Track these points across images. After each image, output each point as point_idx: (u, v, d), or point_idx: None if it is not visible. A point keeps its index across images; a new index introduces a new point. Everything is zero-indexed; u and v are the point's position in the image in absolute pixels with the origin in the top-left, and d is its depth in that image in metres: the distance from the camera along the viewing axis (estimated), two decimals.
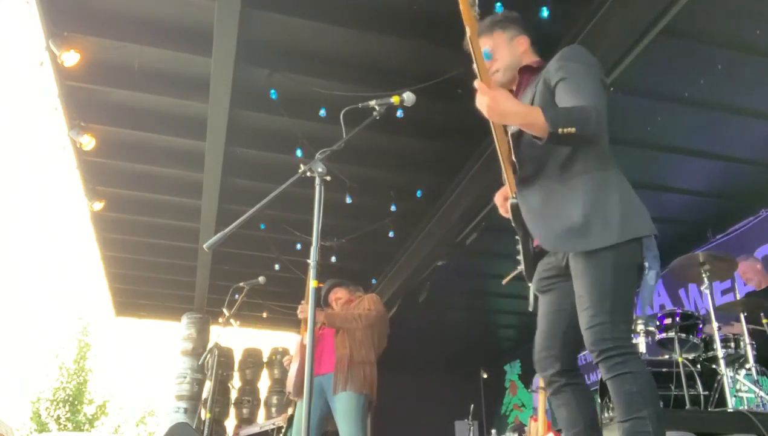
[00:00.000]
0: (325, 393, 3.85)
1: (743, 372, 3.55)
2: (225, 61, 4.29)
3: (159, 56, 4.61)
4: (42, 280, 34.74)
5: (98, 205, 6.30)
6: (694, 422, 3.09)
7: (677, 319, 3.86)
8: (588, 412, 2.07)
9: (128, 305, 9.43)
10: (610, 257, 1.91)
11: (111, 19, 4.35)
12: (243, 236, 6.70)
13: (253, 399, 9.44)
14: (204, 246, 2.40)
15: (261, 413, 9.47)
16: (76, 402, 18.37)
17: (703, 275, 3.79)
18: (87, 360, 19.07)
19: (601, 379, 3.23)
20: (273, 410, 9.19)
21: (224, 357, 8.87)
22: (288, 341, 9.83)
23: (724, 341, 3.69)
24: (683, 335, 3.82)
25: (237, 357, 9.63)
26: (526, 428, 5.91)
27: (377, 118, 2.46)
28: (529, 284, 2.25)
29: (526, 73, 2.26)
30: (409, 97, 2.45)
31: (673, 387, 3.51)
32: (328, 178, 2.33)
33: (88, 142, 5.25)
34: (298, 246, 6.70)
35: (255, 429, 7.48)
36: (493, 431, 6.76)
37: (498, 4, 3.72)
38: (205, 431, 4.88)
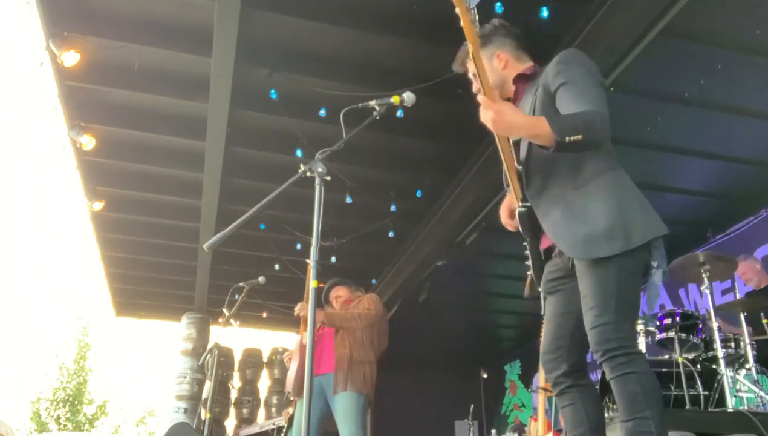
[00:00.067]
0: (325, 393, 3.85)
1: (743, 372, 3.55)
2: (225, 61, 4.29)
3: (159, 56, 4.61)
4: (42, 280, 34.77)
5: (98, 205, 6.30)
6: (694, 422, 3.09)
7: (677, 319, 3.87)
8: (594, 414, 2.06)
9: (128, 305, 9.43)
10: (617, 259, 1.92)
11: (111, 19, 4.35)
12: (243, 236, 6.70)
13: (253, 399, 9.45)
14: (204, 246, 2.41)
15: (261, 413, 9.48)
16: (76, 402, 18.37)
17: (703, 275, 3.79)
18: (87, 360, 19.08)
19: (602, 378, 3.23)
20: (273, 410, 9.19)
21: (224, 357, 8.87)
22: (288, 341, 9.83)
23: (724, 341, 3.69)
24: (683, 335, 3.82)
25: (237, 357, 9.64)
26: (526, 428, 5.91)
27: (377, 118, 2.46)
28: (539, 289, 2.25)
29: (521, 81, 2.27)
30: (409, 97, 2.45)
31: (673, 387, 3.51)
32: (328, 178, 2.33)
33: (88, 142, 5.25)
34: (298, 246, 6.70)
35: (255, 429, 7.48)
36: (493, 431, 6.76)
37: (498, 4, 3.72)
38: (205, 431, 4.88)
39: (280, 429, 6.36)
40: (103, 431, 18.80)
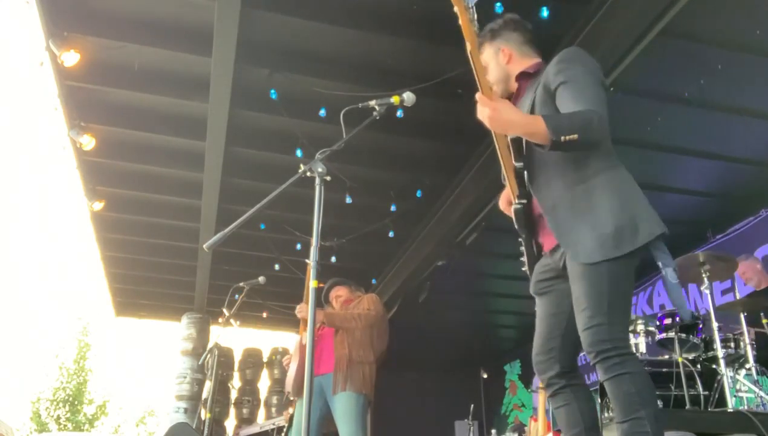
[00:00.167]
0: (325, 393, 3.85)
1: (743, 372, 3.55)
2: (225, 61, 4.28)
3: (159, 56, 4.61)
4: (42, 280, 34.77)
5: (98, 205, 6.29)
6: (694, 422, 3.09)
7: (677, 319, 3.86)
8: (588, 413, 2.07)
9: (128, 305, 9.43)
10: (610, 261, 1.92)
11: (111, 19, 4.35)
12: (243, 236, 6.70)
13: (253, 399, 9.45)
14: (204, 246, 2.41)
15: (261, 413, 9.48)
16: (76, 402, 18.37)
17: (703, 275, 3.79)
18: (87, 360, 19.09)
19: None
20: (273, 410, 9.19)
21: (224, 357, 8.87)
22: (288, 341, 9.84)
23: (724, 341, 3.69)
24: (683, 335, 3.82)
25: (237, 357, 9.64)
26: (526, 428, 5.91)
27: (377, 118, 2.47)
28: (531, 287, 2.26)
29: (524, 78, 2.27)
30: (409, 97, 2.45)
31: (673, 387, 3.51)
32: (328, 178, 2.33)
33: (88, 142, 5.25)
34: (298, 246, 6.70)
35: (255, 429, 7.49)
36: (493, 431, 6.76)
37: (498, 4, 3.72)
38: (205, 431, 4.88)
39: (280, 429, 6.37)
40: (103, 431, 18.80)
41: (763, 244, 5.61)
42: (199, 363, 6.48)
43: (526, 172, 2.14)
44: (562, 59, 2.10)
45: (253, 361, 9.66)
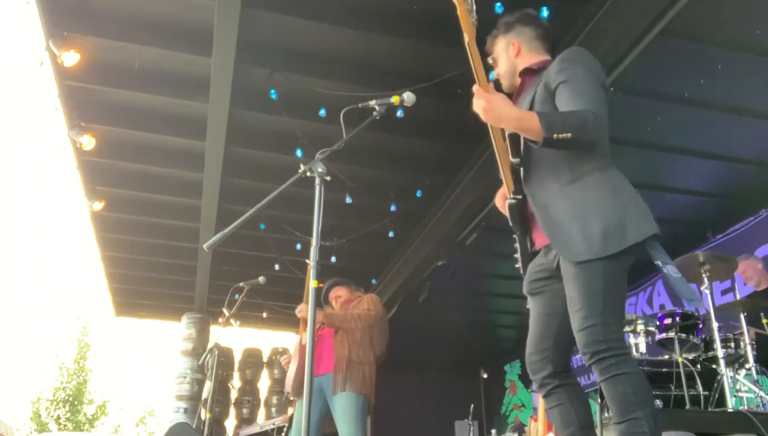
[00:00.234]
0: (324, 394, 3.85)
1: (743, 372, 3.55)
2: (225, 61, 4.29)
3: (159, 56, 4.61)
4: (42, 280, 34.77)
5: (98, 205, 6.30)
6: (694, 422, 3.09)
7: (677, 319, 3.86)
8: (582, 412, 2.07)
9: (128, 305, 9.43)
10: (601, 261, 1.92)
11: (111, 19, 4.35)
12: (243, 236, 6.70)
13: (253, 399, 9.45)
14: (204, 246, 2.41)
15: (261, 413, 9.48)
16: (76, 402, 18.37)
17: (703, 275, 3.79)
18: (87, 360, 19.09)
19: None
20: (273, 410, 9.19)
21: (224, 357, 8.87)
22: (288, 341, 9.84)
23: (724, 341, 3.69)
24: (683, 335, 3.82)
25: (237, 357, 9.64)
26: (526, 428, 5.92)
27: (377, 118, 2.47)
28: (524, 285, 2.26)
29: (528, 74, 2.27)
30: (409, 97, 2.46)
31: (673, 387, 3.51)
32: (328, 178, 2.33)
33: (88, 142, 5.26)
34: (298, 246, 6.70)
35: (255, 429, 7.49)
36: (493, 431, 6.75)
37: (498, 4, 3.72)
38: (205, 431, 4.88)
39: (280, 429, 6.37)
40: (103, 431, 18.80)
41: (763, 244, 5.61)
42: (199, 363, 6.49)
43: (522, 169, 2.15)
44: (564, 58, 2.10)
45: (253, 361, 9.66)
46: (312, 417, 2.59)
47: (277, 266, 7.19)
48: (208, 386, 5.30)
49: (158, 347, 26.36)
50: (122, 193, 6.42)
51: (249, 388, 9.53)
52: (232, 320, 5.08)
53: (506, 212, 2.25)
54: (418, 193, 6.06)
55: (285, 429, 4.75)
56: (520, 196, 2.16)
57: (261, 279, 4.47)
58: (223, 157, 5.39)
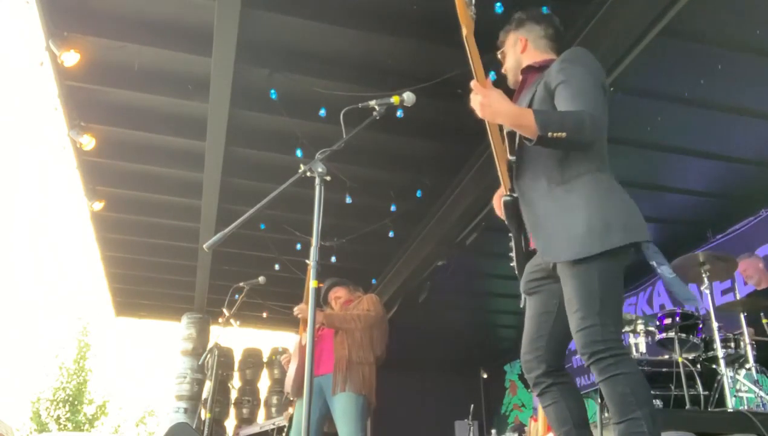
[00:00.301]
0: (324, 394, 3.85)
1: (743, 372, 3.55)
2: (225, 61, 4.28)
3: (159, 56, 4.60)
4: (42, 280, 34.77)
5: (98, 206, 6.30)
6: (694, 422, 3.09)
7: (677, 319, 3.87)
8: (577, 410, 2.08)
9: (128, 305, 9.43)
10: (598, 262, 1.92)
11: (111, 19, 4.34)
12: (243, 236, 6.70)
13: (253, 399, 9.45)
14: (204, 246, 2.41)
15: (261, 413, 9.48)
16: (76, 402, 18.37)
17: (703, 275, 3.79)
18: (87, 360, 19.09)
19: None
20: (273, 410, 9.19)
21: (224, 357, 8.87)
22: (288, 341, 9.83)
23: (724, 341, 3.69)
24: (683, 335, 3.82)
25: (237, 357, 9.63)
26: (526, 428, 5.91)
27: (377, 118, 2.47)
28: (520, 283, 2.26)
29: (530, 72, 2.28)
30: (409, 97, 2.45)
31: (673, 387, 3.52)
32: (328, 178, 2.33)
33: (88, 142, 5.25)
34: (298, 246, 6.70)
35: (255, 429, 7.49)
36: (493, 431, 6.75)
37: (498, 4, 3.72)
38: (205, 431, 4.88)
39: (280, 429, 6.37)
40: (103, 431, 18.80)
41: (764, 244, 5.61)
42: (199, 363, 6.48)
43: (516, 167, 2.16)
44: (565, 59, 2.11)
45: (253, 361, 9.65)
46: (312, 417, 2.59)
47: (277, 266, 7.19)
48: (208, 386, 5.30)
49: (158, 347, 26.41)
50: (122, 193, 6.42)
51: (249, 388, 9.53)
52: (232, 320, 5.08)
53: (501, 214, 2.25)
54: (418, 193, 6.06)
55: (285, 429, 4.75)
56: (515, 194, 2.16)
57: (261, 279, 4.48)
58: (223, 157, 5.39)
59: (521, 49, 2.31)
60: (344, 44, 4.48)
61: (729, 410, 3.30)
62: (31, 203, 37.28)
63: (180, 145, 5.61)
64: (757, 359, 3.59)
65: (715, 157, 5.36)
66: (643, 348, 3.88)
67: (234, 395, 9.46)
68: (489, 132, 2.14)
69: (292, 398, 4.08)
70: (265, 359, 9.71)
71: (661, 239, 6.29)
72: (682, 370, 3.54)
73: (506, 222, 2.21)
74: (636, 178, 5.45)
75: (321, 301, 4.30)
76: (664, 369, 3.61)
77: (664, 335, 3.87)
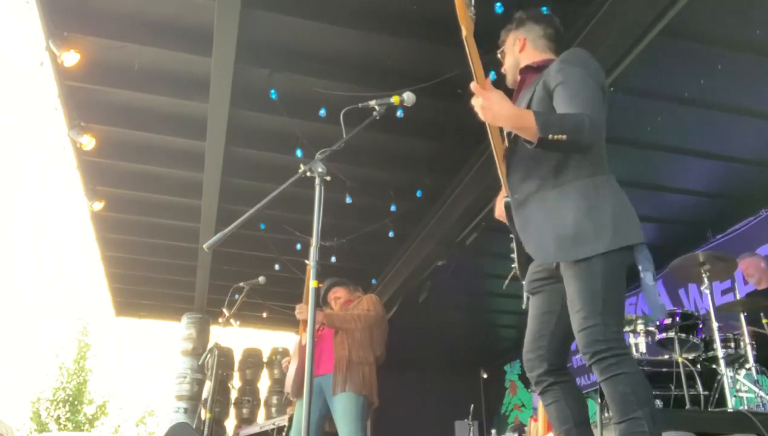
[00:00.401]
0: (324, 394, 3.85)
1: (743, 372, 3.55)
2: (225, 61, 4.28)
3: (159, 56, 4.60)
4: (42, 280, 34.77)
5: (98, 205, 6.30)
6: (694, 422, 3.09)
7: (677, 319, 3.86)
8: (578, 409, 2.09)
9: (128, 305, 9.43)
10: (600, 262, 1.92)
11: (111, 19, 4.35)
12: (243, 236, 6.70)
13: (253, 399, 9.44)
14: (204, 246, 2.41)
15: (261, 413, 9.47)
16: (76, 402, 18.37)
17: (703, 275, 3.79)
18: (87, 360, 19.09)
19: None
20: (273, 410, 9.19)
21: (224, 357, 8.87)
22: (288, 341, 9.84)
23: (724, 341, 3.69)
24: (683, 335, 3.82)
25: (237, 357, 9.63)
26: (526, 428, 5.91)
27: (377, 118, 2.46)
28: (523, 282, 2.26)
29: (529, 72, 2.27)
30: (409, 97, 2.45)
31: (673, 387, 3.51)
32: (328, 178, 2.33)
33: (88, 142, 5.25)
34: (298, 246, 6.70)
35: (255, 429, 7.48)
36: (493, 431, 6.75)
37: (498, 4, 3.72)
38: (205, 431, 4.88)
39: (280, 429, 6.37)
40: (103, 431, 18.80)
41: (764, 244, 5.61)
42: (199, 363, 6.48)
43: (507, 166, 2.16)
44: (564, 59, 2.10)
45: (253, 361, 9.65)
46: (312, 417, 2.59)
47: (277, 266, 7.19)
48: (208, 386, 5.30)
49: (158, 347, 26.40)
50: (122, 193, 6.42)
51: (249, 388, 9.52)
52: (232, 320, 5.08)
53: (503, 216, 2.25)
54: (418, 193, 6.06)
55: (285, 429, 4.75)
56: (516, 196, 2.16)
57: (261, 279, 4.47)
58: (223, 157, 5.39)
59: (520, 48, 2.31)
60: (344, 44, 4.48)
61: (729, 410, 3.30)
62: (31, 203, 37.30)
63: (180, 145, 5.61)
64: (757, 359, 3.59)
65: (715, 157, 5.36)
66: (643, 348, 3.88)
67: (234, 395, 9.46)
68: (489, 133, 2.14)
69: (292, 399, 4.08)
70: (265, 359, 9.71)
71: (661, 239, 6.29)
72: (682, 370, 3.54)
73: (508, 224, 2.21)
74: (636, 178, 5.45)
75: (321, 301, 4.30)
76: (664, 369, 3.61)
77: (664, 335, 3.88)
